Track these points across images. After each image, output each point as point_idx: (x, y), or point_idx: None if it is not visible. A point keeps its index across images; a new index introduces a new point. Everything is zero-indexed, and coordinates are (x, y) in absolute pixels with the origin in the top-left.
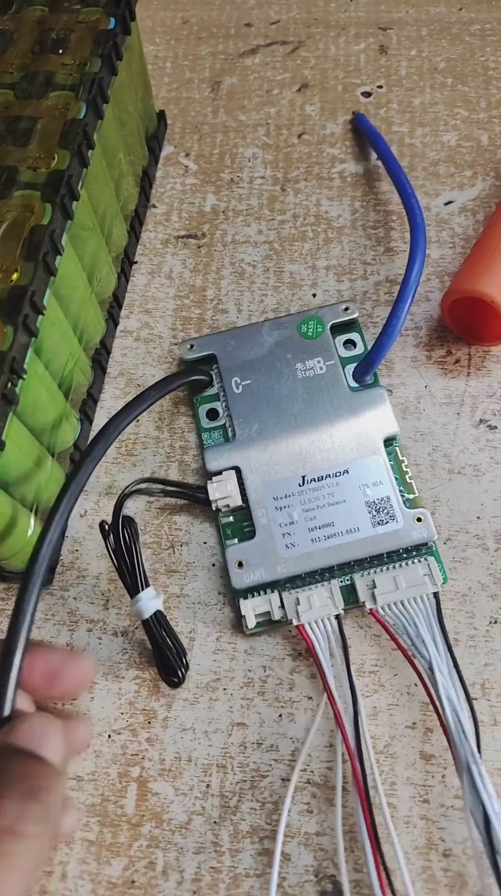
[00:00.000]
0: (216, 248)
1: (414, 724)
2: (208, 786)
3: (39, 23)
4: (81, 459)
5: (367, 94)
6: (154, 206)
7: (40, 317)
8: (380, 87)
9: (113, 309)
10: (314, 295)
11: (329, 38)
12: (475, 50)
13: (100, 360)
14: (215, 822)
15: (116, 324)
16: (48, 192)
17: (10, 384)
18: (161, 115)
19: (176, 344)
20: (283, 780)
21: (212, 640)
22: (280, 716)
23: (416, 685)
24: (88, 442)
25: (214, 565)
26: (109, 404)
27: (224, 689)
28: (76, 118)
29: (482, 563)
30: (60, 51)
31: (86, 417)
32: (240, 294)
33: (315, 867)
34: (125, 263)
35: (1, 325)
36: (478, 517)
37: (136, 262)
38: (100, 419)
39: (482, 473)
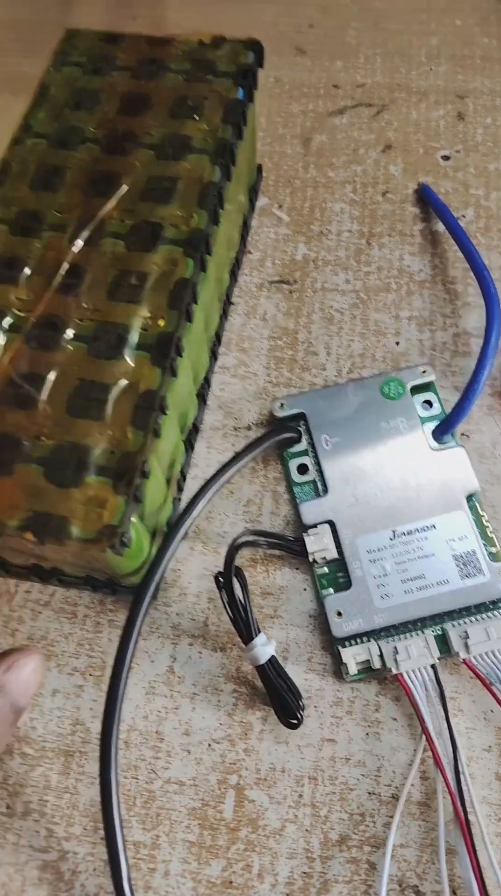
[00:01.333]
0: (307, 293)
1: (490, 747)
2: (300, 796)
3: (174, 89)
4: (191, 502)
5: (446, 158)
6: (250, 252)
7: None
8: (458, 151)
9: (215, 346)
10: (397, 343)
11: (411, 103)
12: None
13: (203, 393)
14: (306, 830)
15: (215, 359)
16: (189, 248)
17: (156, 421)
18: (259, 168)
19: (270, 382)
20: (369, 793)
21: (303, 661)
22: (367, 734)
23: (492, 711)
24: (198, 489)
25: (310, 616)
26: (208, 434)
27: (315, 706)
28: (212, 181)
29: None
30: (196, 116)
31: (189, 446)
32: (329, 338)
33: (399, 877)
34: (226, 303)
35: (150, 366)
36: None
37: (233, 303)
38: (199, 447)
39: None
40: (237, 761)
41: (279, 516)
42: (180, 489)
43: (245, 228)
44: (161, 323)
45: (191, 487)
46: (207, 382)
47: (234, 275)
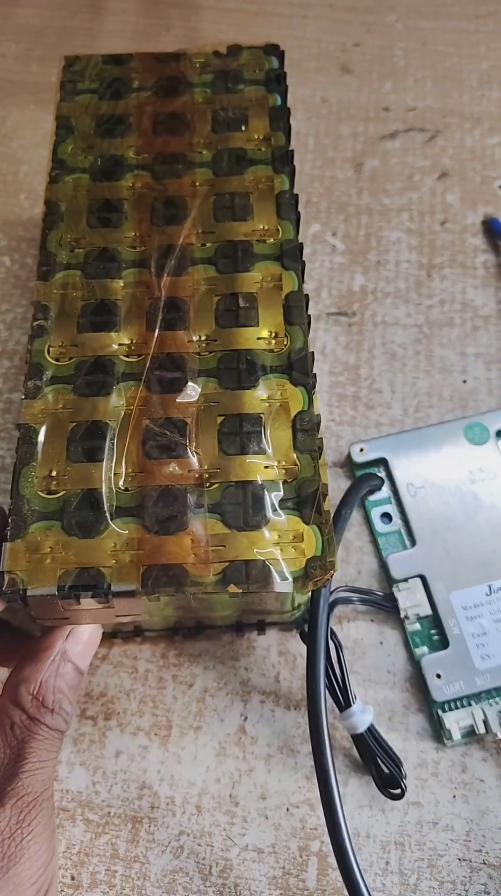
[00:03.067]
0: (367, 327)
1: None
2: (386, 863)
3: (207, 103)
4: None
5: None
6: (303, 282)
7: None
8: None
9: None
10: (465, 381)
11: (465, 129)
12: None
13: None
14: None
15: None
16: (288, 261)
17: (321, 442)
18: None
19: (333, 420)
20: (460, 860)
21: (385, 720)
22: (454, 797)
23: None
24: None
25: (389, 672)
26: None
27: None
28: (283, 190)
29: None
30: (243, 128)
31: None
32: (393, 375)
33: None
34: None
35: (292, 387)
36: None
37: None
38: None
39: None
40: (319, 826)
41: (351, 565)
42: None
43: None
44: (285, 342)
45: None
46: None
47: None
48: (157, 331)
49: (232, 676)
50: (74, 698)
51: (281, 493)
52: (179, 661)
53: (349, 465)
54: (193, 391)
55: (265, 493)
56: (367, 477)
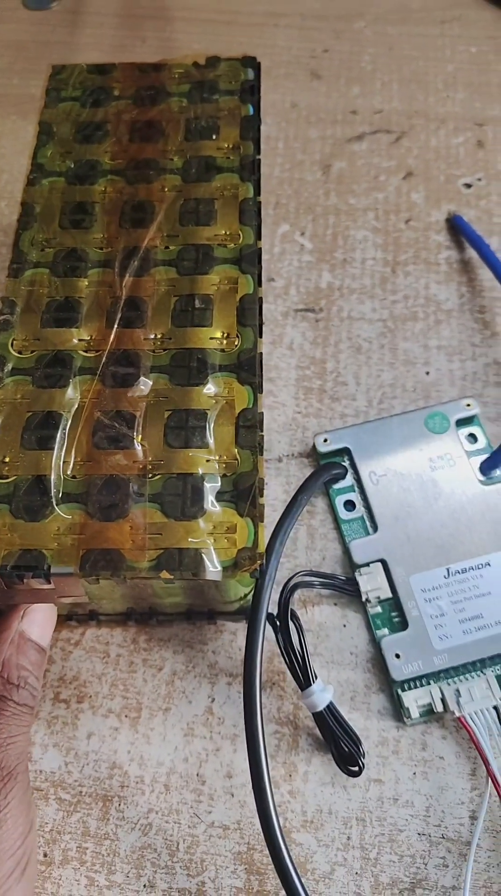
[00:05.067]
0: (334, 322)
1: None
2: (348, 838)
3: (181, 112)
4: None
5: (468, 186)
6: (273, 280)
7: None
8: (480, 179)
9: None
10: (428, 373)
11: (430, 130)
12: None
13: None
14: (356, 874)
15: None
16: (245, 265)
17: (261, 438)
18: None
19: (299, 412)
20: (419, 834)
21: (347, 700)
22: (414, 774)
23: None
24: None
25: (352, 653)
26: None
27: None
28: (247, 197)
29: None
30: (214, 136)
31: None
32: (358, 368)
33: None
34: None
35: (239, 385)
36: None
37: None
38: None
39: None
40: (282, 804)
41: (315, 551)
42: None
43: None
44: (236, 342)
45: None
46: None
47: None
48: (115, 328)
49: (200, 660)
50: (40, 674)
51: (219, 485)
52: (150, 646)
53: (314, 455)
54: (144, 386)
55: (205, 485)
56: (328, 466)
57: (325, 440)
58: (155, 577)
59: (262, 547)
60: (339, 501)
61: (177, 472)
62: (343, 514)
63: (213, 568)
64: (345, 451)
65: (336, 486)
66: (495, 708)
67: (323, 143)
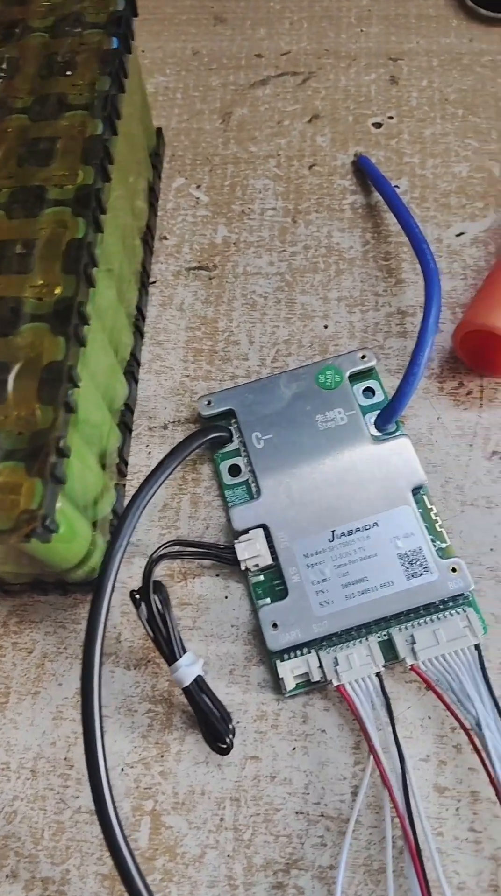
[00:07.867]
0: (228, 279)
1: (428, 756)
2: (221, 819)
3: (43, 48)
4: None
5: (378, 125)
6: (166, 238)
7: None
8: (391, 117)
9: (138, 321)
10: (326, 326)
11: (340, 68)
12: (486, 81)
13: (132, 371)
14: (228, 856)
15: (142, 336)
16: (78, 207)
17: (69, 395)
18: (159, 132)
19: (187, 376)
20: (296, 813)
21: (225, 674)
22: (294, 749)
23: (429, 717)
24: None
25: (233, 626)
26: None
27: (237, 721)
28: (94, 134)
29: (496, 595)
30: (69, 73)
31: (125, 429)
32: (252, 325)
33: None
34: (144, 277)
35: (52, 336)
36: (491, 549)
37: (152, 283)
38: None
39: (495, 505)
40: (153, 786)
41: (198, 520)
42: (123, 475)
43: (153, 196)
44: (58, 290)
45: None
46: (135, 361)
47: (149, 246)
48: None
49: (73, 640)
50: None
51: (12, 445)
52: (20, 628)
53: (200, 420)
54: None
55: None
56: (205, 430)
57: (208, 402)
58: None
59: (49, 510)
60: (223, 467)
61: None
62: (227, 479)
63: None
64: (230, 414)
65: (221, 451)
66: (378, 675)
67: (225, 90)
